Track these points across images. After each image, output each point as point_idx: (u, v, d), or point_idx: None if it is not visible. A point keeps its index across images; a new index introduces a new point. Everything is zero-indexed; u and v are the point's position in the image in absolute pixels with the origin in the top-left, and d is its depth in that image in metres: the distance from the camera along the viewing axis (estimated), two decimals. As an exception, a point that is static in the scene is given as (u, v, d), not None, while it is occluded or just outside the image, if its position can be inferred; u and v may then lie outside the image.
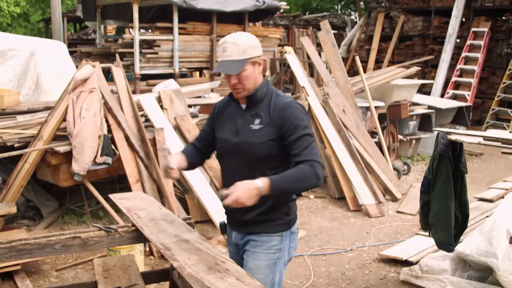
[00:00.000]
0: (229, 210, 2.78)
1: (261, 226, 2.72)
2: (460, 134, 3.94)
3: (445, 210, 3.94)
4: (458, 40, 13.80)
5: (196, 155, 2.96)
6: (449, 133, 3.89)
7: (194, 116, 7.25)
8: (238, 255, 2.85)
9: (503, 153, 3.56)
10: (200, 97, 7.85)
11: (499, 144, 3.54)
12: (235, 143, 2.70)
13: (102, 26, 11.36)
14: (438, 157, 3.91)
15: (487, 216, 5.56)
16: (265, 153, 2.63)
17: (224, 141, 2.76)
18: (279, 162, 2.65)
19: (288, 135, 2.59)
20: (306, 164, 2.52)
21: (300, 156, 2.55)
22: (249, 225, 2.74)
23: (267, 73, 13.75)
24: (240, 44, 2.60)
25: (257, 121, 2.65)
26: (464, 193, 4.11)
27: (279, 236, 2.73)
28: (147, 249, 5.10)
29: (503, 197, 5.97)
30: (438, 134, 3.95)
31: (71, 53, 8.46)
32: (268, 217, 2.70)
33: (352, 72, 14.75)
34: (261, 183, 2.45)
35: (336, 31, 20.35)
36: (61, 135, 5.53)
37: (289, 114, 2.60)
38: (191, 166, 2.93)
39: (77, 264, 4.90)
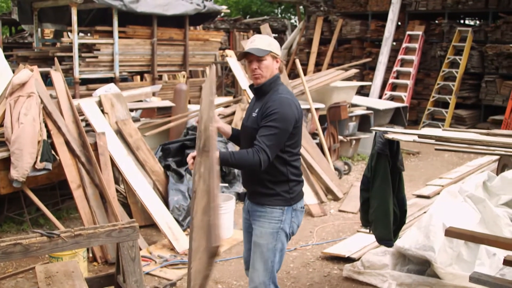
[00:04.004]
0: (244, 182, 3.40)
1: (264, 199, 3.23)
2: (396, 133, 4.08)
3: (384, 206, 4.05)
4: (394, 43, 14.23)
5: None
6: (386, 132, 4.02)
7: (135, 120, 7.19)
8: (248, 221, 3.41)
9: (436, 149, 3.70)
10: (141, 101, 7.79)
11: (432, 141, 3.68)
12: (244, 126, 3.30)
13: (39, 30, 11.07)
14: (376, 155, 4.03)
15: (424, 212, 5.77)
16: (254, 136, 3.08)
17: (241, 124, 3.38)
18: None
19: (262, 121, 3.08)
20: (255, 149, 2.99)
21: (256, 141, 3.02)
22: (255, 195, 3.29)
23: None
24: (267, 40, 3.20)
25: (257, 109, 3.19)
26: (402, 190, 4.24)
27: (280, 209, 3.22)
28: (90, 255, 5.02)
29: (439, 193, 6.21)
30: (375, 133, 4.07)
31: (7, 57, 8.21)
32: (268, 192, 3.22)
33: (293, 75, 14.93)
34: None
35: (276, 35, 20.58)
36: (-2, 141, 5.38)
37: (271, 105, 3.09)
38: (234, 137, 3.47)
39: (18, 273, 4.76)
